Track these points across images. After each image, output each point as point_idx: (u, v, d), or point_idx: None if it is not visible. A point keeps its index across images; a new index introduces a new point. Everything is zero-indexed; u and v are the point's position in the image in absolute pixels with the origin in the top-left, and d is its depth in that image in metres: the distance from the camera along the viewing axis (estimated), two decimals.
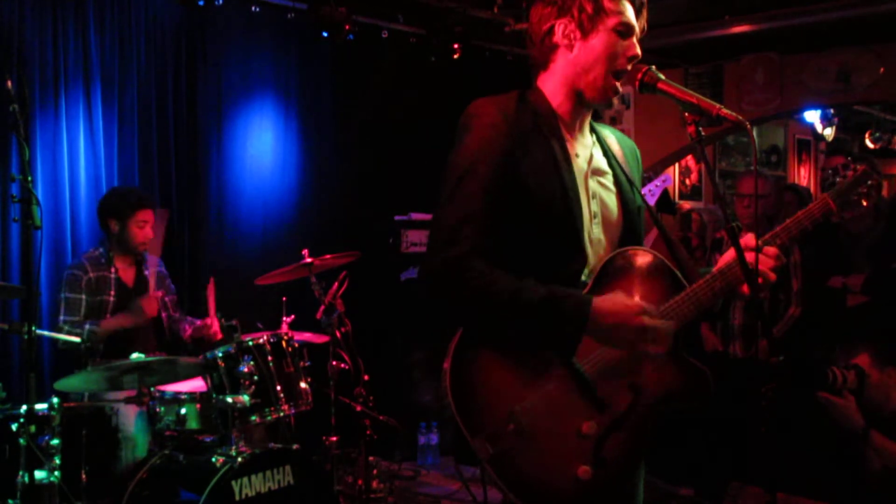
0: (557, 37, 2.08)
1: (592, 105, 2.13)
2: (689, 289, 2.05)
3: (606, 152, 2.20)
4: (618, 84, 2.07)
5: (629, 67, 2.04)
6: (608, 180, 2.16)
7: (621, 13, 2.04)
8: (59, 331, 4.07)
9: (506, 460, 1.90)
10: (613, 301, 1.95)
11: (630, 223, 2.15)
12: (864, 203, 2.11)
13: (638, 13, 2.09)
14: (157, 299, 4.21)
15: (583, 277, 2.05)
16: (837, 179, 2.11)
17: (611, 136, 2.26)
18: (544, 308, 1.91)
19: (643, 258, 2.09)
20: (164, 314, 4.39)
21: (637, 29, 2.08)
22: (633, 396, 2.00)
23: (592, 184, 2.12)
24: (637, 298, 1.99)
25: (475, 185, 1.98)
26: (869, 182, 2.11)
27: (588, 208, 2.08)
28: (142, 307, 4.13)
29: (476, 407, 1.92)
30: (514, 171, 2.00)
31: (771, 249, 2.05)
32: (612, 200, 2.14)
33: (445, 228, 1.98)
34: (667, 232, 2.21)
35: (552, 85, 2.12)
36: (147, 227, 4.28)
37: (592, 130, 2.22)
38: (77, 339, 3.90)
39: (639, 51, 2.07)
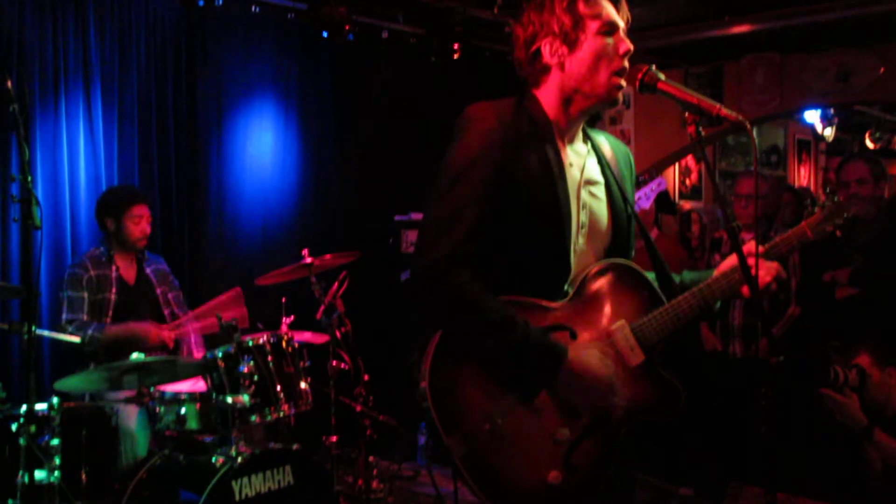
0: (546, 58, 2.06)
1: (596, 109, 2.11)
2: (668, 304, 2.06)
3: (601, 160, 2.18)
4: (620, 81, 2.03)
5: (626, 64, 2.02)
6: (600, 190, 2.14)
7: (600, 14, 2.01)
8: (63, 330, 4.08)
9: (478, 460, 1.91)
10: (588, 364, 1.96)
11: (619, 234, 2.15)
12: (838, 234, 2.15)
13: (617, 6, 2.05)
14: (170, 339, 4.18)
15: (565, 287, 2.05)
16: (827, 204, 2.16)
17: (605, 142, 2.23)
18: (522, 349, 1.92)
19: (624, 271, 2.09)
20: (166, 311, 4.40)
21: (622, 23, 2.05)
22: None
23: (584, 194, 2.10)
24: (608, 363, 2.00)
25: (466, 190, 1.96)
26: (845, 215, 2.14)
27: (577, 219, 2.06)
28: (148, 332, 4.11)
29: (453, 406, 1.93)
30: (508, 179, 1.98)
31: (773, 264, 2.07)
32: (602, 211, 2.13)
33: (431, 231, 1.98)
34: (652, 243, 2.19)
35: (548, 97, 2.09)
36: (143, 222, 4.30)
37: (587, 138, 2.20)
38: (77, 340, 3.90)
39: (629, 44, 2.03)
